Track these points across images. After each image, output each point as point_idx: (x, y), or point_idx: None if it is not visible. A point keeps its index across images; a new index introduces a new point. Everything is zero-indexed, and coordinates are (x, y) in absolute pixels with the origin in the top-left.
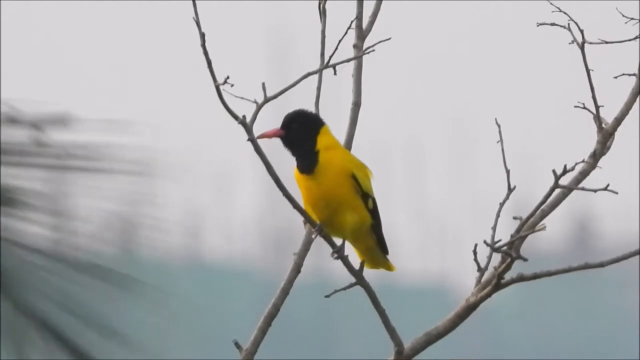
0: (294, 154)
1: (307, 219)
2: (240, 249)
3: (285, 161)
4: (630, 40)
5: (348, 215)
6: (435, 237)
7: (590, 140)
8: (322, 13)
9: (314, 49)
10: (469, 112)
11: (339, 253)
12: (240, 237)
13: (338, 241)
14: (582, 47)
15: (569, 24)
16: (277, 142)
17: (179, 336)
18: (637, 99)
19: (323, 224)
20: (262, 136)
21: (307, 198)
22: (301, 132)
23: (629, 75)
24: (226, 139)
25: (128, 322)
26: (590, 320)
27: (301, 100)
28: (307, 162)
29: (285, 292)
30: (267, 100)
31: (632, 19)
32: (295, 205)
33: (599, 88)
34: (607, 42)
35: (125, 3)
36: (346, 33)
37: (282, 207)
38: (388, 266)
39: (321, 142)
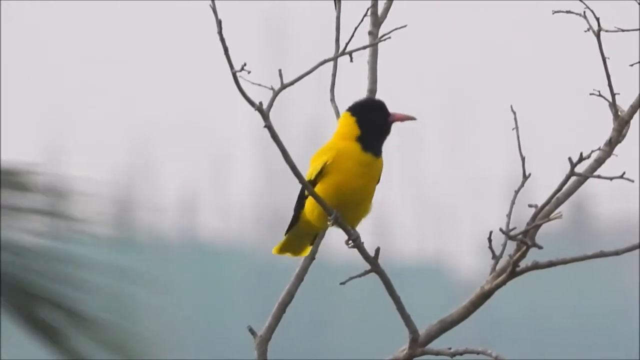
0: (384, 139)
1: (323, 206)
2: (235, 229)
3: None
4: None
5: (369, 204)
6: (430, 217)
7: (602, 127)
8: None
9: (309, 34)
10: (468, 95)
11: (355, 242)
12: (236, 217)
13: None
14: (598, 35)
15: (584, 12)
16: (285, 128)
17: (174, 317)
18: None
19: (340, 211)
20: (405, 118)
21: (357, 181)
22: None
23: None
24: (223, 118)
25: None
26: (589, 297)
27: (298, 86)
28: (381, 147)
29: (300, 278)
30: (283, 87)
31: None
32: (311, 192)
33: (614, 76)
34: (623, 30)
35: None
36: (362, 20)
37: (278, 188)
38: (304, 252)
39: None
